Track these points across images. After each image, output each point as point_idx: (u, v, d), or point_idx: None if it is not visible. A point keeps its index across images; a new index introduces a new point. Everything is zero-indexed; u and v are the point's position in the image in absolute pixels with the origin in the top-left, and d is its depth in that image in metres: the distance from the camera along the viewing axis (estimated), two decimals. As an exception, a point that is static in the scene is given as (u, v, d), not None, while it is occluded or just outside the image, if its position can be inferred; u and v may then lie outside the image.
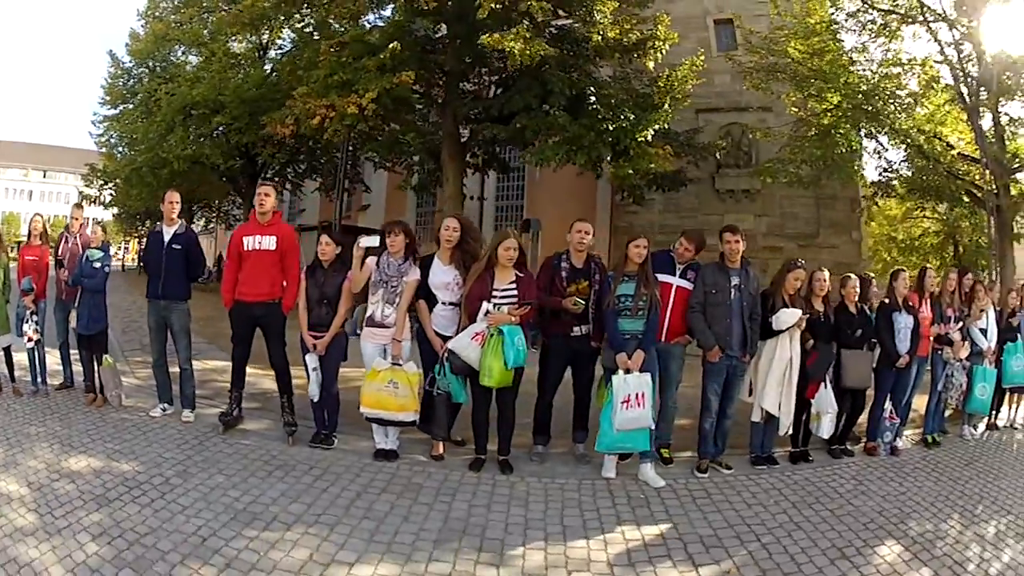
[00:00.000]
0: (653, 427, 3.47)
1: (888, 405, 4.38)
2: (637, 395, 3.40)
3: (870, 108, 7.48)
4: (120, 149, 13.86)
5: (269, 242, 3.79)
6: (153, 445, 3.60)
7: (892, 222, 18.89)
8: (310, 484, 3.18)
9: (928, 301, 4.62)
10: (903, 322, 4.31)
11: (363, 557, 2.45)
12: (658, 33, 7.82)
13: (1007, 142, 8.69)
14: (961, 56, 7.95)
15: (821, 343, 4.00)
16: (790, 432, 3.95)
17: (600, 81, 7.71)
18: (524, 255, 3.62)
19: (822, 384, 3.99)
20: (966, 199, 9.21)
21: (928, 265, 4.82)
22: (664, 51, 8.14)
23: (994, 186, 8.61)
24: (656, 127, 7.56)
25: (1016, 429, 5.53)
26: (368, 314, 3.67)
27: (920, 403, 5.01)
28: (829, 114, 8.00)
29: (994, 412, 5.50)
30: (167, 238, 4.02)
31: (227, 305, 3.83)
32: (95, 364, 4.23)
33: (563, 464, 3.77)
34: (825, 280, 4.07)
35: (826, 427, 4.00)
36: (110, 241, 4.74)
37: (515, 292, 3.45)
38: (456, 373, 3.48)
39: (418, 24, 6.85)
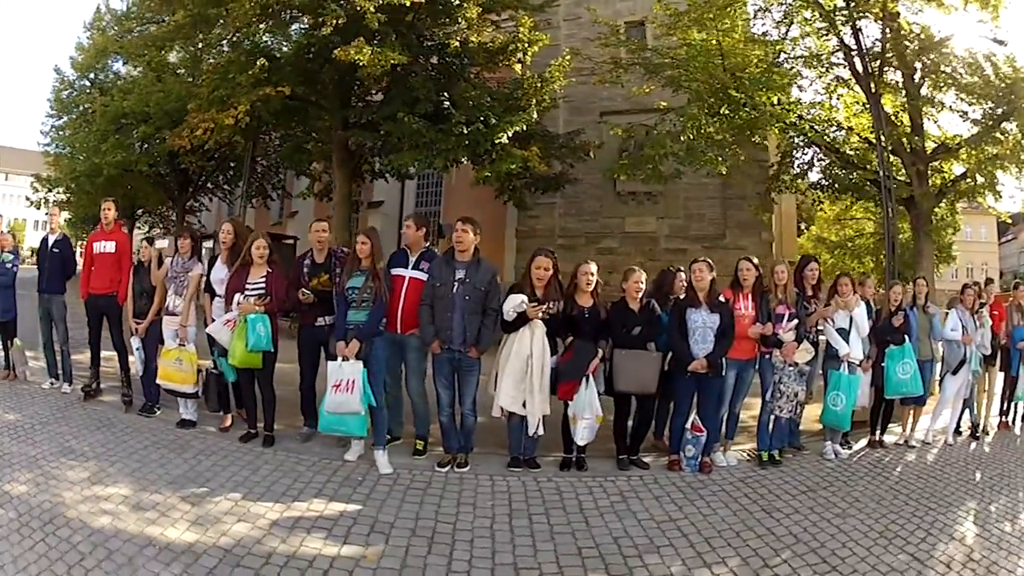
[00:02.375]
0: (363, 412, 3.69)
1: (692, 415, 4.01)
2: (348, 381, 3.66)
3: (739, 96, 6.54)
4: (64, 158, 14.99)
5: (111, 246, 4.70)
6: (34, 407, 4.66)
7: (829, 224, 18.30)
8: (119, 438, 4.07)
9: (749, 296, 4.18)
10: (699, 320, 3.95)
11: (115, 483, 3.33)
12: (521, 36, 7.56)
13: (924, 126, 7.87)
14: (857, 29, 6.69)
15: (580, 341, 3.87)
16: (539, 433, 3.89)
17: (462, 86, 7.62)
18: (274, 252, 4.00)
19: (581, 385, 3.83)
20: (868, 189, 8.19)
21: (751, 257, 4.37)
22: (531, 53, 7.85)
23: (905, 175, 7.74)
24: (516, 129, 7.50)
25: (913, 447, 4.97)
26: (166, 304, 4.32)
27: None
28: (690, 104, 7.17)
29: (879, 427, 4.98)
30: (50, 244, 5.04)
31: (83, 297, 4.74)
32: (7, 346, 5.34)
33: (322, 445, 4.11)
34: (591, 274, 3.96)
35: (582, 433, 3.85)
36: (19, 246, 5.89)
37: (264, 286, 3.87)
38: (223, 355, 4.08)
39: (271, 40, 7.35)
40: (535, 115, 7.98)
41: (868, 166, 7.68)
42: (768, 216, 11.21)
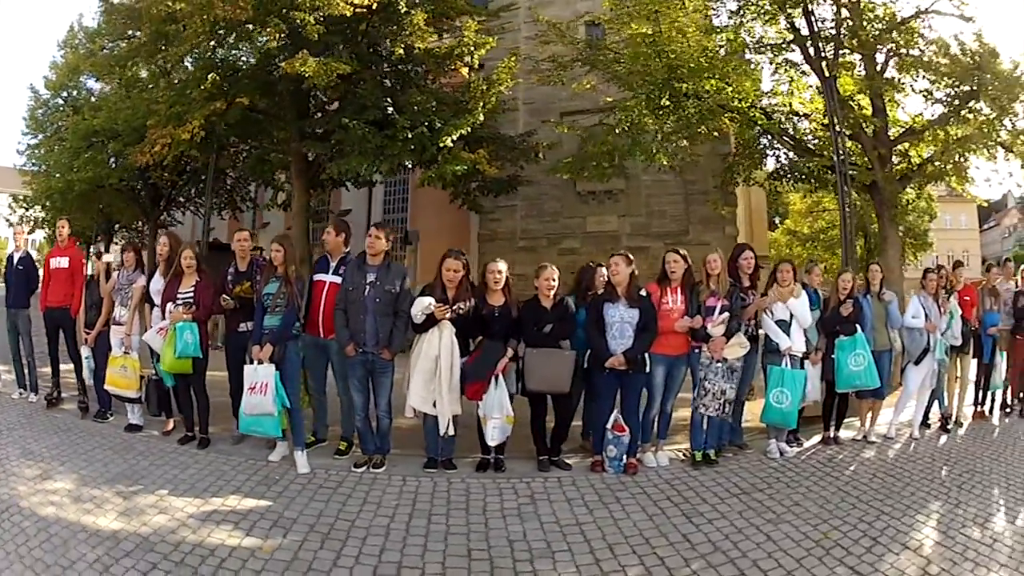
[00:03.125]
0: (276, 414, 3.75)
1: (614, 414, 3.85)
2: (262, 384, 3.73)
3: (681, 87, 6.25)
4: (40, 176, 14.97)
5: (65, 262, 4.89)
6: (3, 415, 4.95)
7: (801, 217, 18.02)
8: (73, 441, 4.32)
9: (678, 289, 4.00)
10: (617, 315, 3.79)
11: (63, 479, 3.65)
12: (467, 40, 7.47)
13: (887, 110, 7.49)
14: (808, 11, 6.33)
15: (488, 340, 3.82)
16: (451, 434, 3.85)
17: (410, 92, 7.57)
18: (201, 263, 4.10)
19: (490, 385, 3.76)
20: (829, 177, 7.76)
21: (679, 248, 4.17)
22: (478, 57, 7.76)
23: (866, 160, 7.29)
24: (461, 132, 7.45)
25: (873, 443, 4.67)
26: (113, 314, 4.48)
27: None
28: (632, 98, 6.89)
29: (833, 423, 4.64)
30: (15, 261, 5.28)
31: (41, 311, 4.93)
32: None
33: (252, 447, 4.19)
34: (498, 272, 3.89)
35: (492, 433, 3.77)
36: None
37: (193, 294, 3.97)
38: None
39: (232, 55, 7.44)
40: (481, 117, 7.86)
41: (826, 153, 7.23)
42: (731, 210, 10.91)
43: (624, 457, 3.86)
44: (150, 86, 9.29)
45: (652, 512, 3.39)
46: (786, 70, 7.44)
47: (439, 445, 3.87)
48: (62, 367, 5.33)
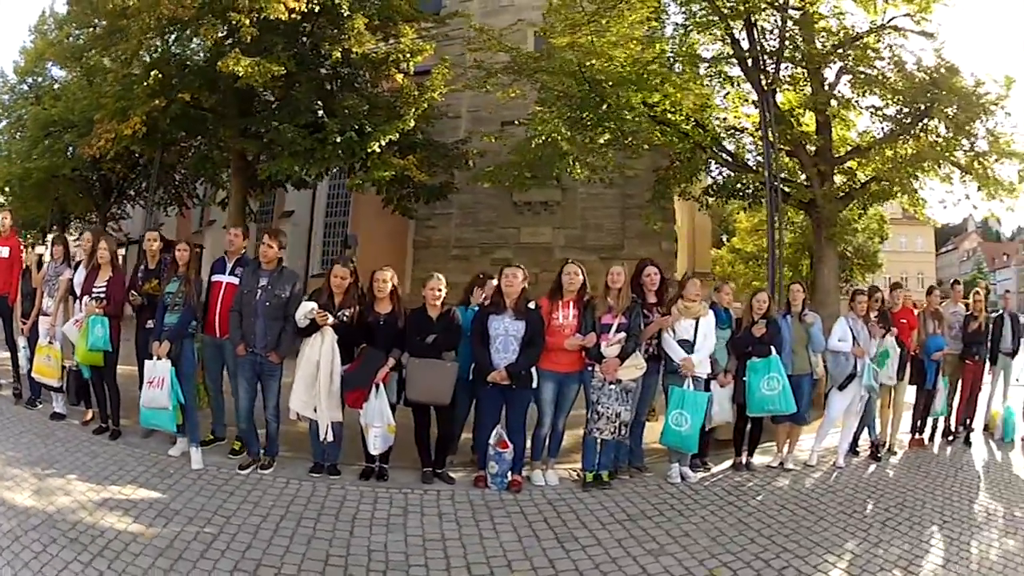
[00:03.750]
0: (171, 408, 3.85)
1: (497, 430, 3.76)
2: (159, 379, 3.84)
3: (603, 99, 6.04)
4: (2, 162, 14.27)
5: (5, 251, 5.01)
6: None
7: (747, 235, 17.97)
8: (4, 426, 4.58)
9: (571, 304, 3.85)
10: (501, 328, 3.70)
11: None
12: (403, 47, 7.37)
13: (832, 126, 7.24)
14: (751, 23, 6.02)
15: (370, 348, 3.78)
16: (329, 439, 3.83)
17: (345, 96, 7.49)
18: (116, 259, 4.20)
19: (371, 394, 3.74)
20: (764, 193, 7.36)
21: (576, 260, 4.02)
22: (414, 63, 7.64)
23: (804, 177, 7.09)
24: (390, 137, 7.31)
25: (790, 470, 4.44)
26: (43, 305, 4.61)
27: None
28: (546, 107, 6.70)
29: (745, 448, 4.45)
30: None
31: None
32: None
33: (159, 441, 4.31)
34: (383, 281, 3.86)
35: (373, 442, 3.74)
36: None
37: (105, 289, 4.06)
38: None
39: (183, 50, 7.44)
40: (411, 124, 7.74)
41: (760, 168, 6.93)
42: (667, 225, 10.78)
43: (508, 474, 3.75)
44: (98, 79, 9.12)
45: (524, 533, 3.28)
46: (722, 83, 7.10)
47: (324, 450, 3.81)
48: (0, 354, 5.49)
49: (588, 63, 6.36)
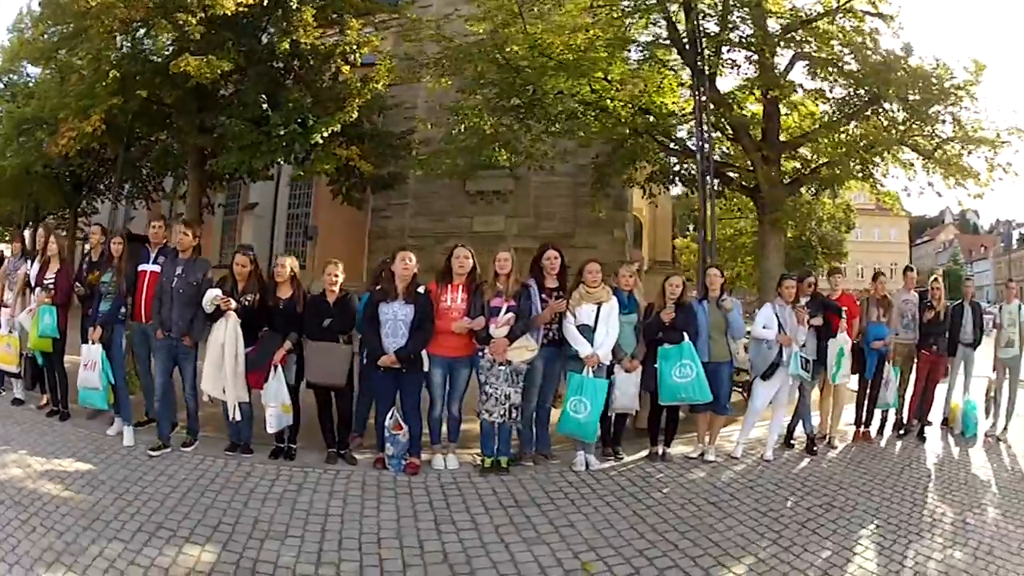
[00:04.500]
0: (101, 388, 4.13)
1: (392, 414, 3.81)
2: (92, 361, 4.16)
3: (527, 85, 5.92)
4: None
5: None
6: None
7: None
8: None
9: (461, 287, 3.88)
10: (391, 312, 3.76)
11: None
12: (349, 39, 7.40)
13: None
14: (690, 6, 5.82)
15: (269, 331, 3.96)
16: (237, 418, 4.00)
17: (291, 88, 7.58)
18: (64, 252, 4.54)
19: (270, 375, 3.88)
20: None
21: (466, 244, 3.99)
22: (360, 55, 7.63)
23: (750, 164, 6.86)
24: (333, 129, 7.31)
25: (710, 462, 4.29)
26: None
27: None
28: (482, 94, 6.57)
29: (661, 438, 4.41)
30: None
31: None
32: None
33: (101, 422, 4.60)
34: (282, 267, 4.02)
35: (270, 421, 3.89)
36: None
37: (54, 280, 4.40)
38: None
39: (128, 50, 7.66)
40: (354, 115, 7.79)
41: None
42: (617, 213, 10.70)
43: (406, 456, 3.77)
44: (68, 77, 9.22)
45: (404, 514, 3.33)
46: (658, 69, 6.83)
47: (237, 430, 3.97)
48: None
49: (508, 50, 6.27)
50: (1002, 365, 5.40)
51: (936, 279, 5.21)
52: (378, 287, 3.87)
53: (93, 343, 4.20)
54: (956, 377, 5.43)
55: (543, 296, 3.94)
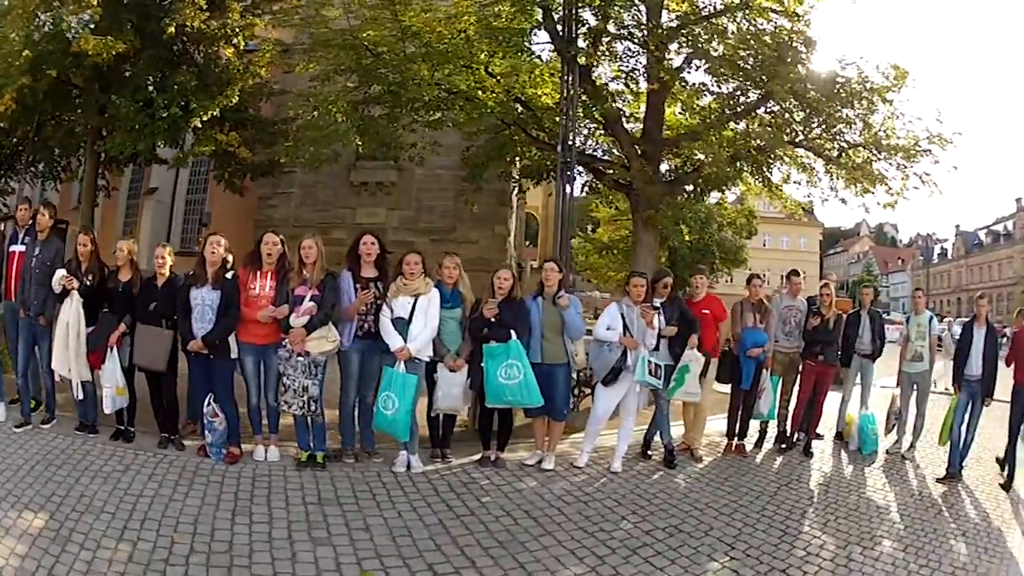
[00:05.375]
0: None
1: (209, 401, 3.99)
2: None
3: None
4: None
5: None
6: None
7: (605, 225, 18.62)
8: None
9: (270, 275, 4.00)
10: (199, 297, 3.96)
11: None
12: (232, 21, 7.51)
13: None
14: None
15: (107, 313, 4.23)
16: (79, 397, 4.28)
17: (181, 71, 7.84)
18: None
19: (107, 356, 4.12)
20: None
21: (277, 230, 4.12)
22: (243, 38, 7.85)
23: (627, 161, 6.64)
24: (213, 113, 7.69)
25: (547, 471, 4.15)
26: None
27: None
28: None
29: (494, 441, 4.33)
30: None
31: None
32: None
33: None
34: (122, 250, 4.30)
35: (106, 402, 4.17)
36: None
37: None
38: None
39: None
40: (234, 99, 7.88)
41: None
42: (497, 208, 10.72)
43: (225, 445, 3.86)
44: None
45: (208, 501, 3.47)
46: (528, 58, 6.47)
47: (84, 409, 4.15)
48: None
49: (366, 35, 6.11)
50: (908, 380, 5.17)
51: (825, 284, 4.85)
52: (191, 272, 3.87)
53: None
54: (851, 389, 5.19)
55: (356, 285, 3.84)
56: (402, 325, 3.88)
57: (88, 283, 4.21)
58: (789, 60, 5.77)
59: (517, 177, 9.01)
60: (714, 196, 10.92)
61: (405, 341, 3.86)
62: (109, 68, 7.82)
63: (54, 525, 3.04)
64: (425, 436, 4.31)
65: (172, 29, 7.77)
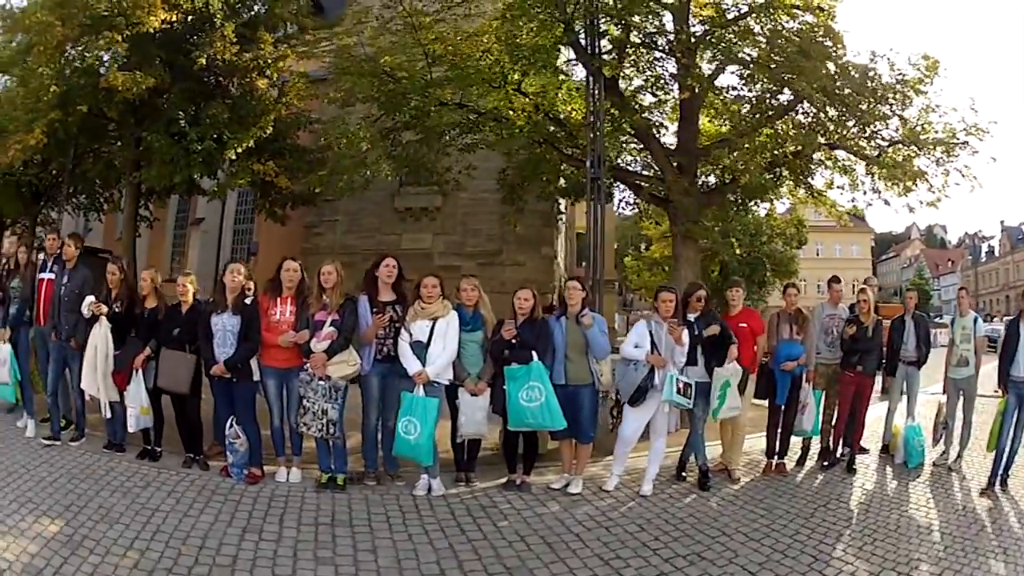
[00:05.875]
0: (11, 383, 4.70)
1: (231, 423, 3.98)
2: (2, 359, 4.77)
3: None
4: None
5: None
6: None
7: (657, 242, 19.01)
8: None
9: (289, 300, 4.00)
10: (220, 323, 3.99)
11: None
12: (265, 53, 7.46)
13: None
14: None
15: (134, 337, 4.34)
16: (107, 416, 4.38)
17: (214, 104, 7.97)
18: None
19: (133, 378, 4.22)
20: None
21: (295, 258, 4.08)
22: (275, 69, 8.26)
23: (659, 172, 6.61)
24: (247, 144, 8.01)
25: (573, 495, 3.98)
26: None
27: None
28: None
29: (520, 465, 4.14)
30: None
31: None
32: None
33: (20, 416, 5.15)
34: (144, 280, 4.46)
35: (131, 422, 4.23)
36: None
37: None
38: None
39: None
40: (268, 130, 8.13)
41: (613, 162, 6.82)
42: (543, 229, 10.63)
43: (247, 466, 3.91)
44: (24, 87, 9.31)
45: (221, 519, 3.48)
46: (554, 73, 6.28)
47: (114, 429, 4.44)
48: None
49: (383, 60, 6.02)
50: (954, 387, 4.79)
51: (864, 289, 4.51)
52: (212, 300, 3.87)
53: (3, 343, 4.83)
54: (897, 399, 4.85)
55: (374, 310, 3.81)
56: (421, 349, 3.82)
57: (116, 309, 4.36)
58: (815, 56, 5.48)
59: (558, 198, 8.87)
60: (763, 208, 10.77)
61: (424, 365, 3.78)
62: (142, 102, 8.05)
63: (68, 531, 3.17)
64: (450, 460, 4.20)
65: (203, 61, 7.97)
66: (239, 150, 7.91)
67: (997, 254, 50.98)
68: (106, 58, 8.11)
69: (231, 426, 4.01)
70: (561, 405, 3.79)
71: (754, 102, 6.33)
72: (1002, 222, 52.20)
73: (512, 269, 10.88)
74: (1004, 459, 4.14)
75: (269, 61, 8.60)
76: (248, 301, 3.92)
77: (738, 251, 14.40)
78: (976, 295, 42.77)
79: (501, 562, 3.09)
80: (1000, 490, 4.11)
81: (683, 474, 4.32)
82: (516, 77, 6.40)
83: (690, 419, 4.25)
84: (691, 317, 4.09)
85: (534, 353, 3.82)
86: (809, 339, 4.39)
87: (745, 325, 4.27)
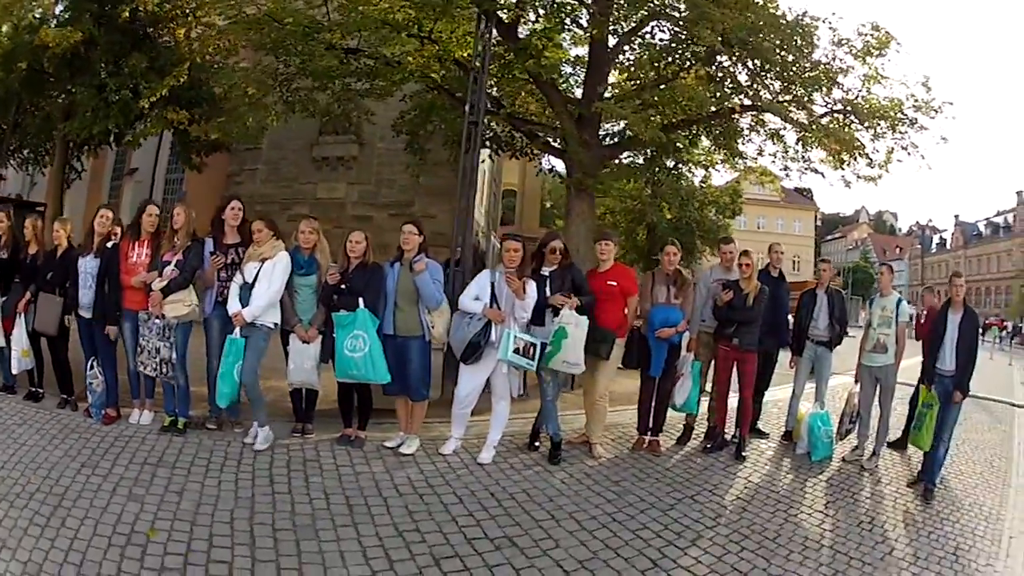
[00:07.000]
0: None
1: (92, 364, 4.32)
2: None
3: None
4: None
5: None
6: None
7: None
8: None
9: (147, 243, 4.20)
10: (83, 266, 4.35)
11: None
12: (184, 3, 8.13)
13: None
14: None
15: (17, 283, 4.70)
16: (28, 370, 4.82)
17: (134, 55, 8.73)
18: None
19: (16, 323, 4.58)
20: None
21: (155, 202, 4.42)
22: (195, 20, 8.63)
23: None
24: (162, 93, 8.05)
25: (405, 455, 3.88)
26: None
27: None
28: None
29: (356, 420, 4.30)
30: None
31: None
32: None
33: None
34: (27, 227, 4.82)
35: (13, 364, 4.62)
36: None
37: None
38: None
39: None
40: (183, 79, 8.44)
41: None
42: (447, 179, 9.53)
43: (104, 407, 4.06)
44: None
45: (64, 453, 3.68)
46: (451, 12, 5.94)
47: (5, 372, 5.17)
48: None
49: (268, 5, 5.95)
50: (869, 375, 4.22)
51: (746, 252, 3.83)
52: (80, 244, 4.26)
53: None
54: (803, 382, 4.36)
55: (213, 252, 3.82)
56: (247, 291, 4.01)
57: (3, 256, 4.89)
58: (727, 3, 4.87)
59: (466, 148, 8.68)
60: (699, 174, 10.55)
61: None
62: (75, 55, 8.80)
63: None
64: (289, 410, 4.43)
65: (127, 14, 8.67)
66: (153, 99, 8.11)
67: (949, 247, 53.08)
68: (42, 14, 8.88)
69: (91, 367, 4.62)
70: (389, 357, 3.81)
71: (658, 51, 5.88)
72: (956, 216, 55.01)
73: (425, 222, 10.28)
74: (935, 461, 3.54)
75: (187, 11, 8.91)
76: (110, 245, 4.40)
77: (668, 215, 14.26)
78: (922, 284, 44.53)
79: (292, 518, 3.12)
80: (924, 500, 3.46)
81: (536, 444, 4.26)
82: (402, 20, 6.14)
83: (541, 384, 4.07)
84: (546, 271, 4.00)
85: (361, 300, 3.91)
86: (689, 303, 4.03)
87: (615, 283, 3.95)
